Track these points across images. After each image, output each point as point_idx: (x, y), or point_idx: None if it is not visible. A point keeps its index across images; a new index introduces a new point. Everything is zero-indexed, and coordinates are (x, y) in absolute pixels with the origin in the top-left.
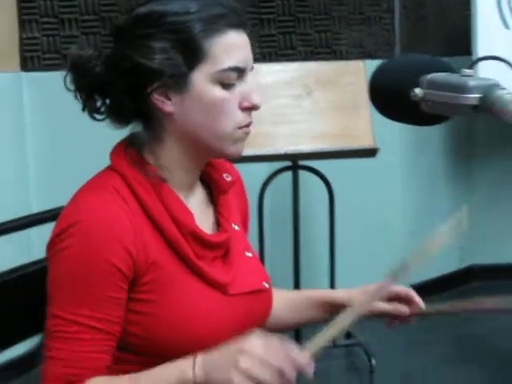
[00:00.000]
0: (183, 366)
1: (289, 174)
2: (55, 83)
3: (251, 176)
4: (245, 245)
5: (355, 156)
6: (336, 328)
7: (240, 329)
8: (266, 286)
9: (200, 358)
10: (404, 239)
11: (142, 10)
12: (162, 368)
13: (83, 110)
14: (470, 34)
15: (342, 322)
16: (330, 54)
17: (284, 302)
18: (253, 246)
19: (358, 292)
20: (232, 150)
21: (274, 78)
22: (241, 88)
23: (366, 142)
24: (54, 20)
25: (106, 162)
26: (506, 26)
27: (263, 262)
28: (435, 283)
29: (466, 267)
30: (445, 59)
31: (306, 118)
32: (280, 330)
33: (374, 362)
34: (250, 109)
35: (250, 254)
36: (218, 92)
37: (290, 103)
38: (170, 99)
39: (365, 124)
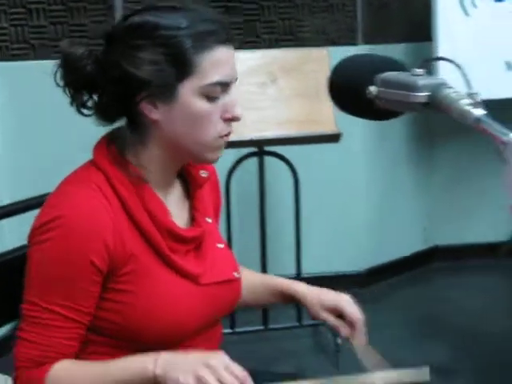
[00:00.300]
0: (146, 362)
1: (255, 160)
2: (24, 73)
3: (218, 162)
4: (216, 237)
5: (319, 141)
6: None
7: (211, 316)
8: (236, 275)
9: (163, 357)
10: (368, 223)
11: (136, 19)
12: (126, 360)
13: (71, 104)
14: (430, 21)
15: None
16: (294, 42)
17: (245, 281)
18: (220, 231)
19: (315, 292)
20: (211, 156)
21: (239, 66)
22: (224, 100)
23: (329, 128)
24: (22, 10)
25: (75, 151)
26: (466, 13)
27: (231, 246)
28: (399, 263)
29: (430, 248)
30: (407, 45)
31: (271, 104)
32: (241, 307)
33: (339, 341)
34: (231, 120)
35: (222, 246)
36: (203, 104)
37: (255, 90)
38: (156, 107)
39: (328, 110)
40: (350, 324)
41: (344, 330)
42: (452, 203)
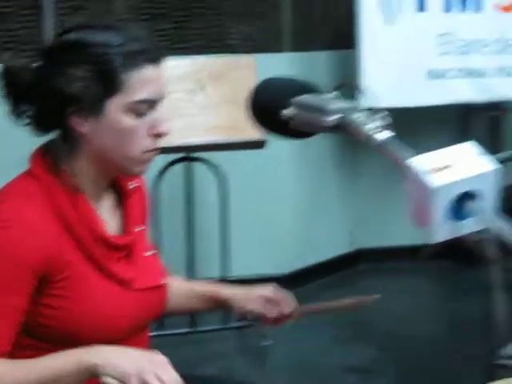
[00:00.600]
0: (82, 354)
1: (184, 166)
2: None
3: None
4: (145, 244)
5: (245, 148)
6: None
7: (142, 320)
8: (164, 282)
9: (100, 348)
10: (295, 226)
11: (71, 37)
12: (56, 355)
13: (11, 113)
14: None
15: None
16: (222, 48)
17: (175, 289)
18: (148, 236)
19: (243, 291)
20: (137, 170)
21: (168, 73)
22: (151, 116)
23: (254, 135)
24: None
25: (8, 165)
26: (389, 22)
27: (159, 251)
28: (325, 266)
29: (356, 250)
30: (331, 52)
31: (200, 111)
32: (169, 313)
33: (267, 342)
34: (158, 136)
35: (150, 253)
36: (129, 121)
37: (184, 97)
38: (86, 121)
39: None
40: (276, 302)
41: (273, 311)
42: (377, 206)
